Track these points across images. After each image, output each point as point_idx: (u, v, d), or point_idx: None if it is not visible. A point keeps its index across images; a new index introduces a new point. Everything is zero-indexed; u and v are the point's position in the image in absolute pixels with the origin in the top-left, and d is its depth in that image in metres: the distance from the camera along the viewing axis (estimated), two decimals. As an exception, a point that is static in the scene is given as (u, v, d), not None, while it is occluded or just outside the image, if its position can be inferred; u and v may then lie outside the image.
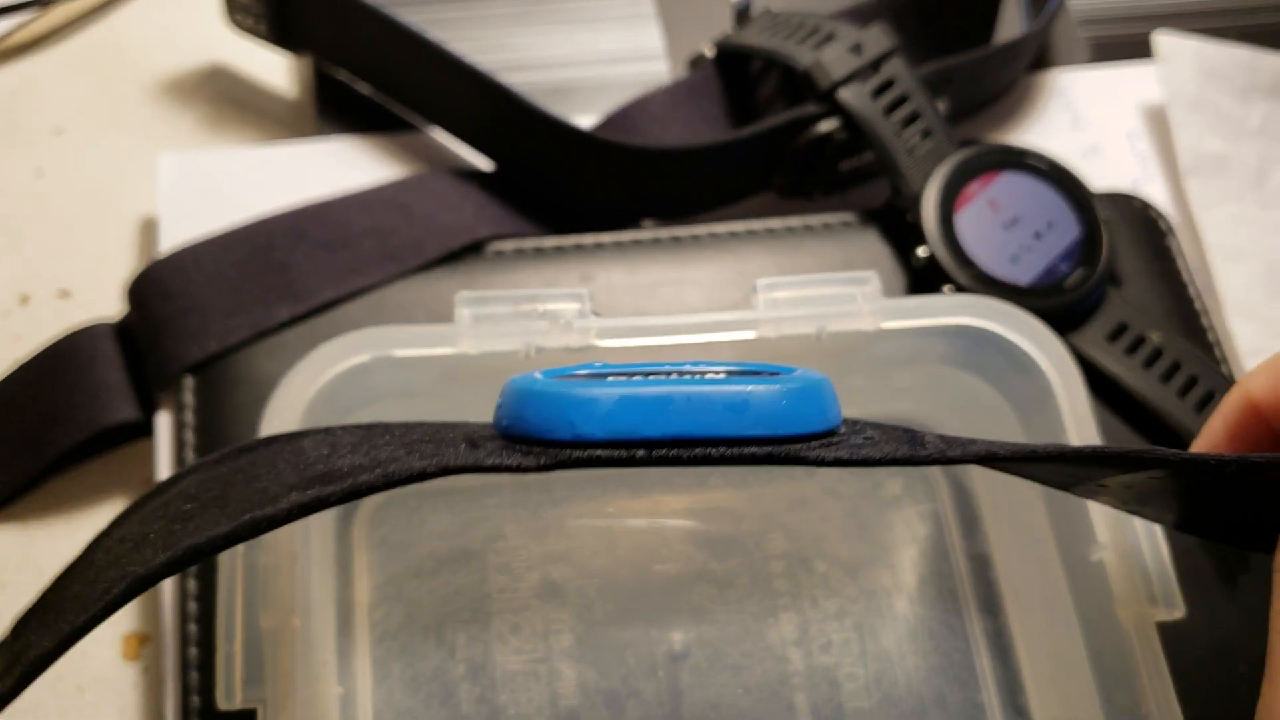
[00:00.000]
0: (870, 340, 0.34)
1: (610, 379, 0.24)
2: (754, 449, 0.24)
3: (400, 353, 0.32)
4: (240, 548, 0.29)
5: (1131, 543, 0.31)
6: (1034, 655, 0.34)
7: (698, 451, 0.24)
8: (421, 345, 0.32)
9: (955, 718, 0.34)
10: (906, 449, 0.24)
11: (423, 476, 0.23)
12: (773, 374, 0.24)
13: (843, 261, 0.42)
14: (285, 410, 0.30)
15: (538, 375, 0.24)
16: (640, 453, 0.23)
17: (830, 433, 0.25)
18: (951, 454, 0.25)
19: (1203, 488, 0.26)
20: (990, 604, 0.35)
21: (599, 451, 0.23)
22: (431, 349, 0.32)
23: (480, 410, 0.35)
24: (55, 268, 0.44)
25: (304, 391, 0.31)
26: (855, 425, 0.25)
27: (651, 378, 0.24)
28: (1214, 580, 0.35)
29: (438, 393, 0.33)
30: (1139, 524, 0.31)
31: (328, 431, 0.26)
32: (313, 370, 0.31)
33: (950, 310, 0.34)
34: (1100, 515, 0.32)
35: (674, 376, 0.24)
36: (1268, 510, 0.26)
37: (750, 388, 0.24)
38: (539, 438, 0.24)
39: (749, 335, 0.33)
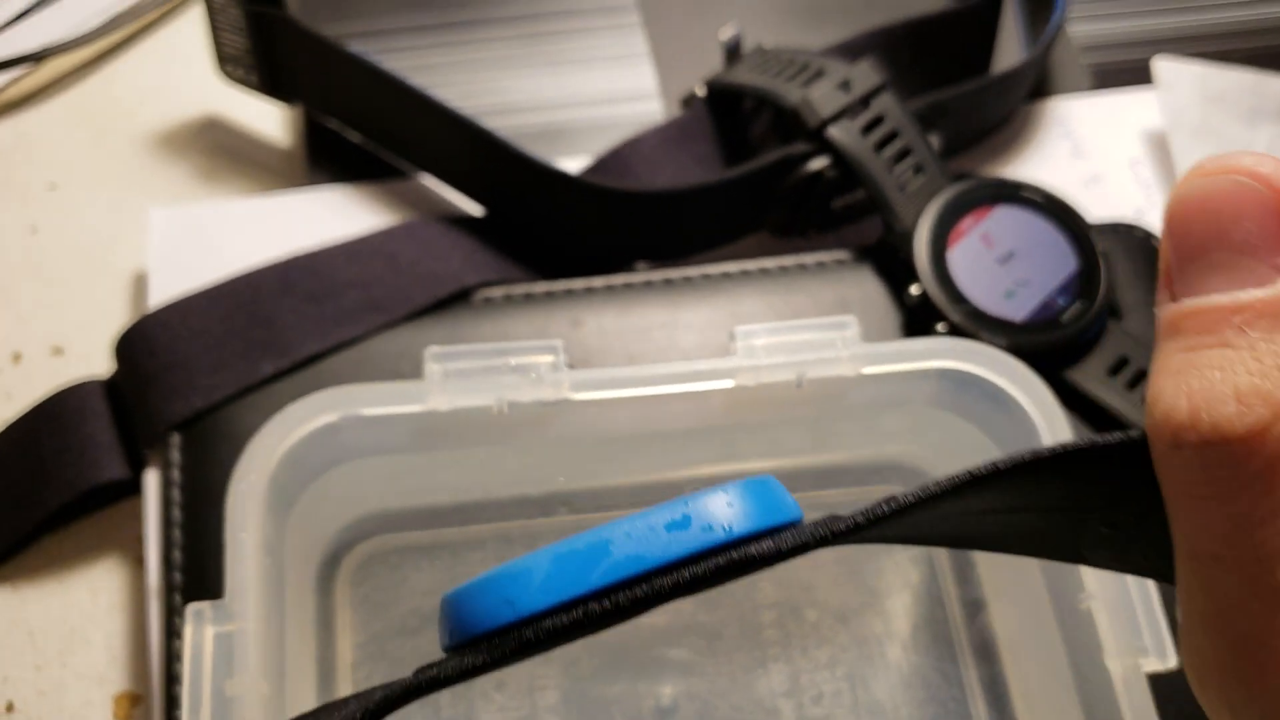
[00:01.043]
0: (852, 385, 0.33)
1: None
2: (717, 560, 0.21)
3: (369, 411, 0.31)
4: (208, 611, 0.29)
5: (1120, 591, 0.30)
6: (1029, 704, 0.33)
7: (659, 584, 0.21)
8: (390, 403, 0.31)
9: (952, 770, 0.33)
10: (868, 514, 0.23)
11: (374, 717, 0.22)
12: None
13: (836, 301, 0.41)
14: (251, 474, 0.30)
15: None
16: (595, 606, 0.21)
17: (791, 525, 0.22)
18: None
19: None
20: (985, 651, 0.34)
21: (550, 621, 0.21)
22: (401, 406, 0.31)
23: (453, 467, 0.34)
24: (48, 324, 0.44)
25: (271, 454, 0.30)
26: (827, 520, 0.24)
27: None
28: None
29: (410, 450, 0.32)
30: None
31: None
32: (279, 432, 0.31)
33: (930, 354, 0.33)
34: (1090, 562, 0.31)
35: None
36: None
37: (690, 502, 0.21)
38: (485, 632, 0.21)
39: (727, 384, 0.33)
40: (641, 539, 0.21)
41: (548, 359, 0.32)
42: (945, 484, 0.22)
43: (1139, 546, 0.24)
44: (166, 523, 0.37)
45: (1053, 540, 0.25)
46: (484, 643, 0.21)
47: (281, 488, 0.31)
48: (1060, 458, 0.22)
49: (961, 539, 0.26)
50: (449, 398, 0.31)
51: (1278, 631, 0.18)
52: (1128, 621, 0.29)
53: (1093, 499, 0.23)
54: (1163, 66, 0.48)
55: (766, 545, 0.21)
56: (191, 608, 0.29)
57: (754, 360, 0.33)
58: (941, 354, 0.33)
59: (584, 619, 0.21)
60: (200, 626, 0.28)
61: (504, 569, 0.21)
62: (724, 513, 0.21)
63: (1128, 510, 0.23)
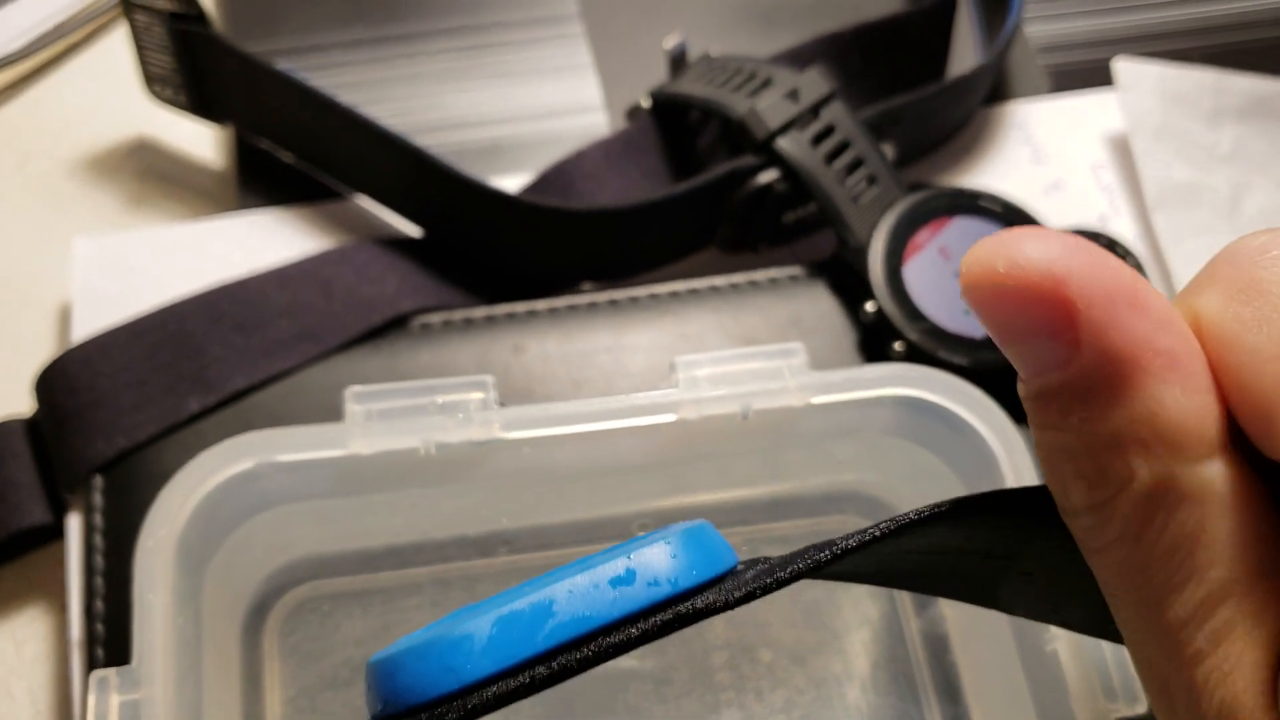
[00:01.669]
0: (801, 416, 0.32)
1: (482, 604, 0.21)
2: (662, 615, 0.21)
3: (286, 457, 0.29)
4: (113, 679, 0.27)
5: (1085, 631, 0.28)
6: (994, 746, 0.32)
7: (606, 643, 0.20)
8: (309, 448, 0.30)
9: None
10: (810, 559, 0.22)
11: None
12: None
13: (788, 319, 0.40)
14: (160, 530, 0.28)
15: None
16: (541, 670, 0.20)
17: (731, 572, 0.22)
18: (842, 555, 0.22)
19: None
20: (949, 689, 0.33)
21: (495, 687, 0.20)
22: (321, 451, 0.30)
23: (383, 509, 0.33)
24: (-31, 360, 0.42)
25: (180, 508, 0.28)
26: (752, 561, 0.23)
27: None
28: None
29: (335, 494, 0.31)
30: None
31: None
32: (189, 484, 0.29)
33: (882, 382, 0.31)
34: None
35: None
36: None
37: (632, 555, 0.21)
38: (422, 702, 0.20)
39: (669, 419, 0.31)
40: (585, 597, 0.20)
41: (477, 396, 0.30)
42: (879, 529, 0.22)
43: (1052, 598, 0.25)
44: (88, 570, 0.35)
45: (973, 584, 0.25)
46: (423, 713, 0.20)
47: (195, 541, 0.29)
48: (985, 505, 0.22)
49: (890, 577, 0.26)
50: (371, 440, 0.30)
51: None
52: (1096, 665, 0.28)
53: (1008, 546, 0.23)
54: (1123, 68, 0.46)
55: (712, 598, 0.21)
56: (95, 676, 0.27)
57: (696, 393, 0.31)
58: (893, 381, 0.31)
59: (530, 682, 0.20)
60: (105, 695, 0.27)
61: (442, 634, 0.20)
62: (667, 566, 0.21)
63: (1038, 561, 0.23)
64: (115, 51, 0.49)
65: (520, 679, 0.20)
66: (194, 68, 0.43)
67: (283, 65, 0.43)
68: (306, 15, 0.49)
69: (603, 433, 0.30)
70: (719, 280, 0.41)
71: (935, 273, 0.39)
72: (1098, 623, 0.23)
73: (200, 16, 0.42)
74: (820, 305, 0.40)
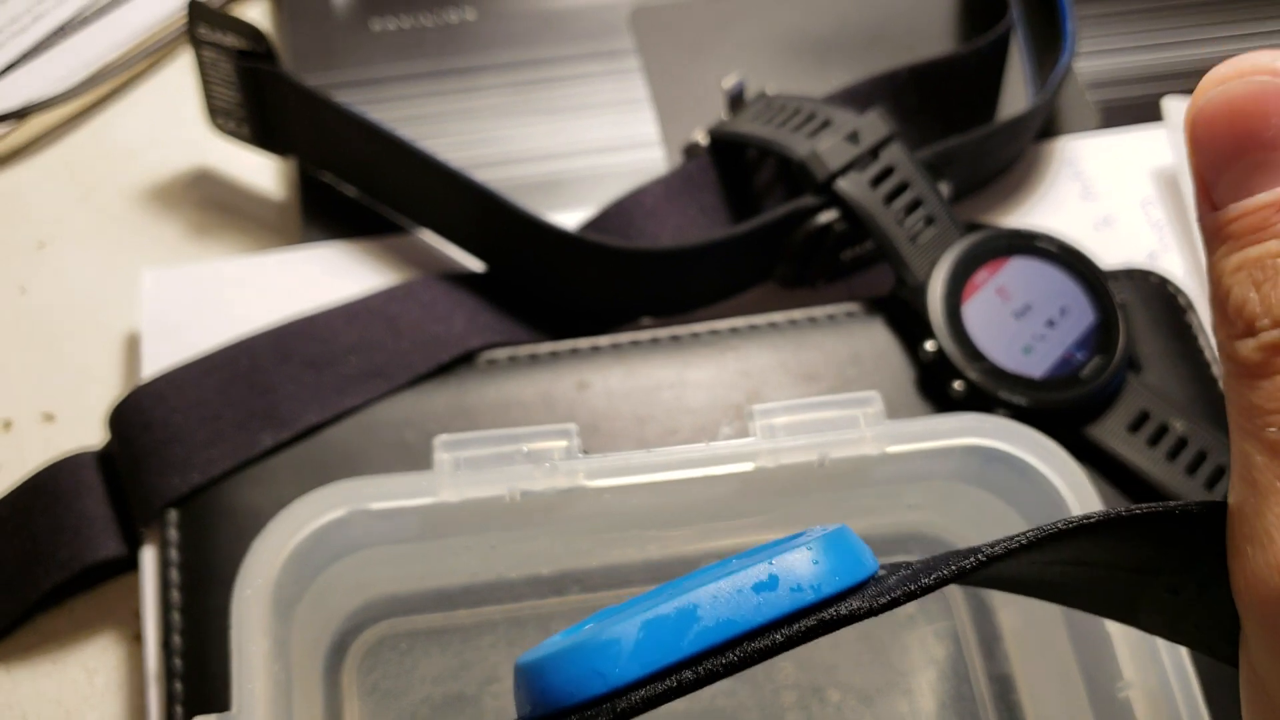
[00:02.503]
0: (875, 463, 0.32)
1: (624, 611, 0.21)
2: (806, 621, 0.21)
3: (377, 505, 0.30)
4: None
5: (1160, 679, 0.29)
6: (1062, 789, 0.32)
7: (751, 648, 0.20)
8: (399, 497, 0.30)
9: None
10: (954, 565, 0.22)
11: None
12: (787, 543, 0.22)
13: (849, 356, 0.40)
14: (257, 579, 0.29)
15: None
16: (688, 674, 0.20)
17: (873, 578, 0.22)
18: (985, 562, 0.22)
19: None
20: (1015, 731, 0.33)
21: (643, 691, 0.20)
22: (410, 500, 0.30)
23: (463, 552, 0.33)
24: (38, 390, 0.43)
25: (275, 556, 0.29)
26: (894, 566, 0.23)
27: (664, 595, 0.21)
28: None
29: (419, 539, 0.31)
30: (1166, 658, 0.29)
31: None
32: (284, 532, 0.29)
33: (955, 432, 0.32)
34: (1125, 646, 0.30)
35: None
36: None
37: (774, 561, 0.21)
38: (571, 705, 0.21)
39: (747, 467, 0.32)
40: (729, 603, 0.21)
41: (561, 444, 0.31)
42: (1029, 538, 0.22)
43: (1195, 615, 0.24)
44: (165, 605, 0.36)
45: (1117, 596, 0.25)
46: (572, 715, 0.21)
47: (287, 588, 0.30)
48: (1143, 519, 0.22)
49: (1029, 587, 0.26)
50: (460, 489, 0.30)
51: None
52: (1168, 713, 0.28)
53: (1161, 561, 0.23)
54: (1172, 106, 0.47)
55: (856, 604, 0.21)
56: (198, 721, 0.27)
57: (774, 442, 0.32)
58: (967, 431, 0.32)
59: (677, 687, 0.20)
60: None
61: (589, 638, 0.21)
62: (810, 571, 0.21)
63: (1192, 576, 0.23)
64: (177, 83, 0.50)
65: (667, 683, 0.20)
66: (259, 102, 0.44)
67: (342, 99, 0.43)
68: (366, 49, 0.50)
69: (682, 481, 0.31)
70: (778, 316, 0.42)
71: (994, 312, 0.40)
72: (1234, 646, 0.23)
73: (269, 54, 0.43)
74: (878, 343, 0.41)
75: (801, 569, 0.21)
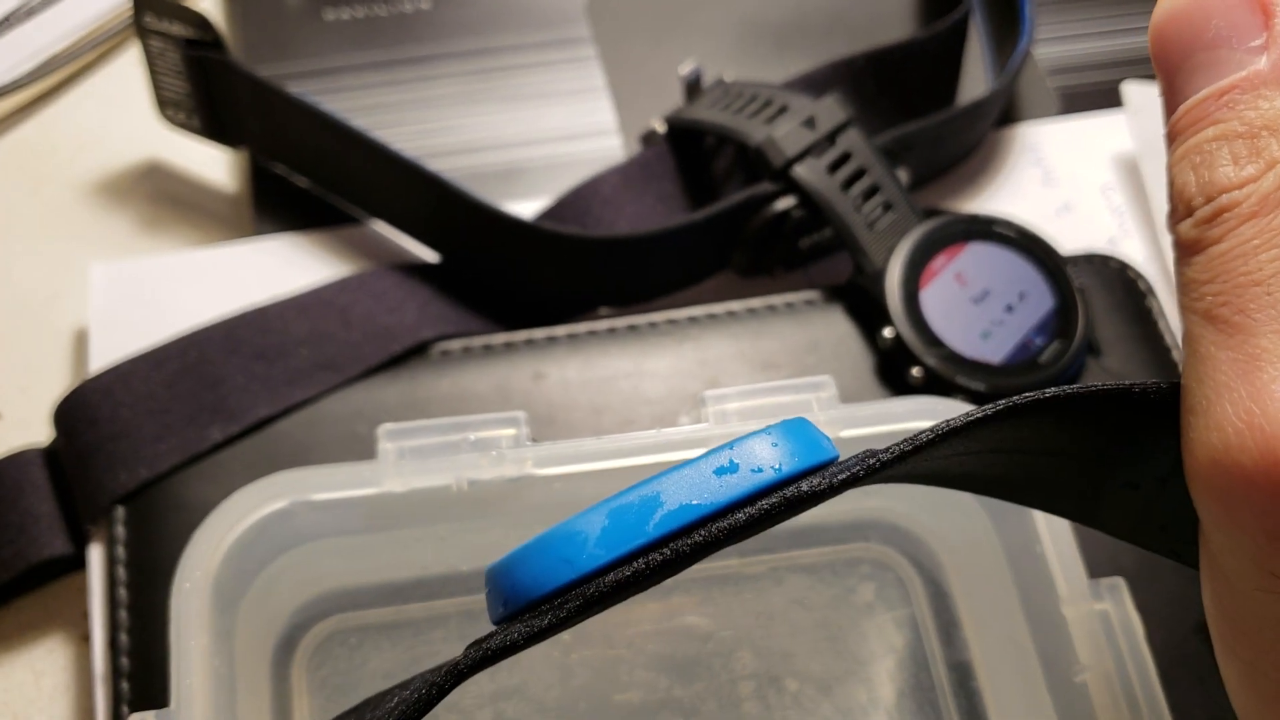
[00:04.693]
0: (829, 448, 0.32)
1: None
2: (768, 500, 0.21)
3: (320, 496, 0.30)
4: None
5: (1116, 663, 0.28)
6: (1021, 776, 0.32)
7: (716, 528, 0.21)
8: (343, 487, 0.30)
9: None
10: (911, 442, 0.22)
11: (441, 692, 0.21)
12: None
13: (806, 344, 0.40)
14: (196, 572, 0.28)
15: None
16: (655, 556, 0.21)
17: (832, 461, 0.22)
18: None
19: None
20: (974, 717, 0.33)
21: (612, 575, 0.21)
22: (354, 490, 0.30)
23: (412, 544, 0.33)
24: (-15, 387, 0.42)
25: (215, 550, 0.28)
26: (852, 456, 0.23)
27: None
28: (1213, 701, 0.33)
29: (366, 530, 0.31)
30: (1123, 642, 0.29)
31: None
32: (225, 523, 0.29)
33: (909, 415, 0.32)
34: (1081, 630, 0.29)
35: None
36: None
37: (735, 446, 0.21)
38: (542, 596, 0.21)
39: (699, 453, 0.31)
40: (692, 487, 0.21)
41: (509, 432, 0.31)
42: (984, 412, 0.22)
43: (1158, 515, 0.24)
44: (112, 603, 0.35)
45: (1074, 491, 0.25)
46: (544, 605, 0.21)
47: (229, 581, 0.29)
48: (1095, 397, 0.22)
49: (987, 481, 0.25)
50: (405, 479, 0.30)
51: None
52: (1125, 696, 0.28)
53: (1118, 451, 0.23)
54: (1132, 90, 0.47)
55: (817, 481, 0.21)
56: (135, 719, 0.27)
57: (727, 427, 0.31)
58: (921, 414, 0.32)
59: (645, 570, 0.21)
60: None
61: (556, 530, 0.21)
62: (769, 453, 0.21)
63: (1151, 469, 0.23)
64: (125, 75, 0.49)
65: (635, 565, 0.21)
66: (208, 93, 0.43)
67: (295, 89, 0.43)
68: (319, 38, 0.49)
69: (634, 468, 0.30)
70: (736, 305, 0.41)
71: (952, 298, 0.40)
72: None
73: (216, 42, 0.42)
74: (837, 330, 0.40)
75: (762, 452, 0.21)
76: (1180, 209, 0.21)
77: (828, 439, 0.23)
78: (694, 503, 0.21)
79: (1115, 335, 0.41)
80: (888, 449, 0.22)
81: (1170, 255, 0.44)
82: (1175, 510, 0.23)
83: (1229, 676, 0.22)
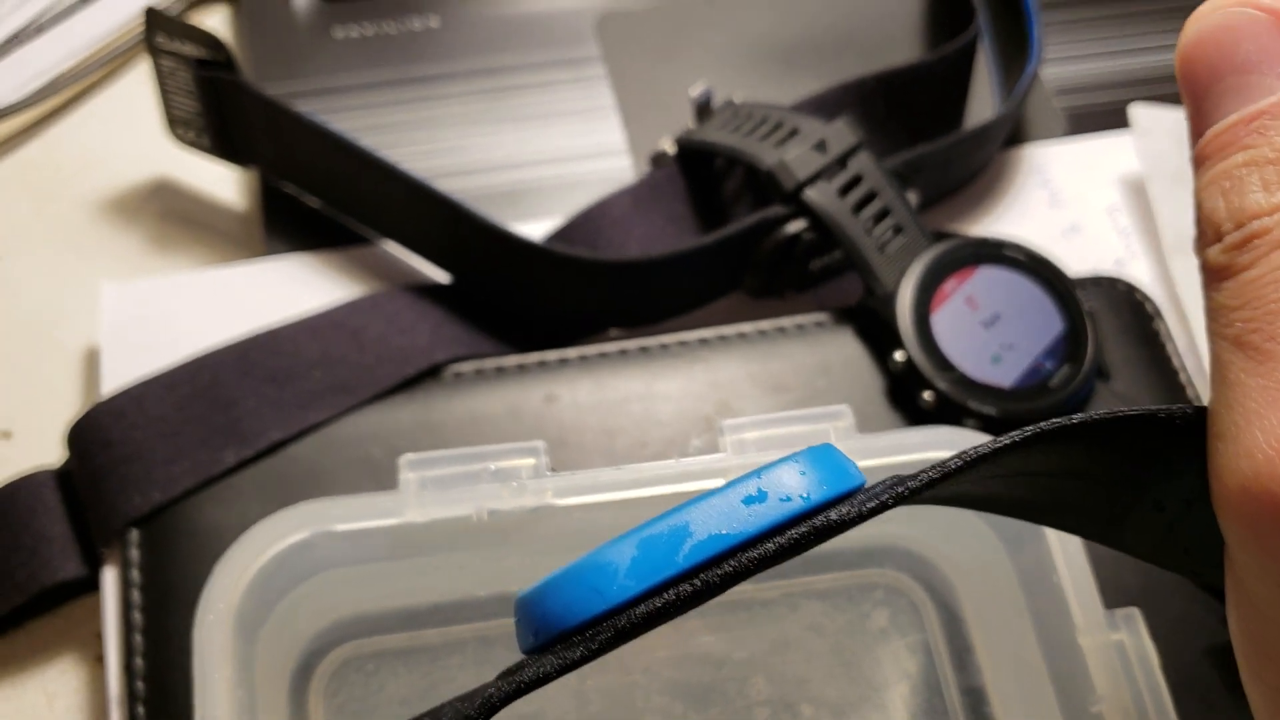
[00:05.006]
0: (846, 478, 0.32)
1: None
2: (797, 529, 0.21)
3: (342, 527, 0.30)
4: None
5: (1133, 695, 0.29)
6: (1036, 803, 0.32)
7: (745, 558, 0.21)
8: (364, 518, 0.30)
9: None
10: (939, 468, 0.22)
11: None
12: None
13: (818, 366, 0.40)
14: (219, 602, 0.28)
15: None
16: (686, 587, 0.21)
17: (860, 488, 0.22)
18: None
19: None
20: (987, 744, 0.33)
21: (643, 607, 0.21)
22: (376, 520, 0.30)
23: (430, 572, 0.33)
24: (-5, 407, 0.42)
25: (240, 578, 0.28)
26: (880, 482, 0.23)
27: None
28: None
29: (385, 559, 0.31)
30: (1140, 675, 0.29)
31: None
32: (248, 554, 0.29)
33: (925, 445, 0.32)
34: (1098, 660, 0.30)
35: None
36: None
37: (763, 475, 0.21)
38: (573, 627, 0.21)
39: (718, 483, 0.31)
40: (721, 517, 0.21)
41: (529, 462, 0.31)
42: (1012, 438, 0.22)
43: (1182, 537, 0.24)
44: (127, 626, 0.35)
45: (1096, 513, 0.25)
46: (575, 636, 0.21)
47: (250, 612, 0.29)
48: (1121, 422, 0.22)
49: (1010, 503, 0.26)
50: (426, 510, 0.30)
51: None
52: (1142, 730, 0.28)
53: (1143, 474, 0.23)
54: (1139, 113, 0.47)
55: (846, 510, 0.21)
56: (160, 751, 0.27)
57: (745, 458, 0.31)
58: (937, 444, 0.32)
59: (676, 600, 0.21)
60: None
61: (586, 560, 0.21)
62: (798, 482, 0.22)
63: (1177, 492, 0.23)
64: (134, 92, 0.49)
65: (666, 596, 0.21)
66: (219, 113, 0.43)
67: (304, 107, 0.43)
68: (328, 57, 0.49)
69: (652, 498, 0.31)
70: (747, 327, 0.41)
71: (963, 322, 0.40)
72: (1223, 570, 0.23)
73: (228, 63, 0.42)
74: (847, 352, 0.41)
75: (790, 480, 0.21)
76: (1209, 234, 0.22)
77: (854, 465, 0.23)
78: (723, 532, 0.21)
79: (1123, 358, 0.41)
80: (916, 475, 0.22)
81: (1178, 278, 0.44)
82: (1200, 533, 0.23)
83: (1255, 700, 0.22)
